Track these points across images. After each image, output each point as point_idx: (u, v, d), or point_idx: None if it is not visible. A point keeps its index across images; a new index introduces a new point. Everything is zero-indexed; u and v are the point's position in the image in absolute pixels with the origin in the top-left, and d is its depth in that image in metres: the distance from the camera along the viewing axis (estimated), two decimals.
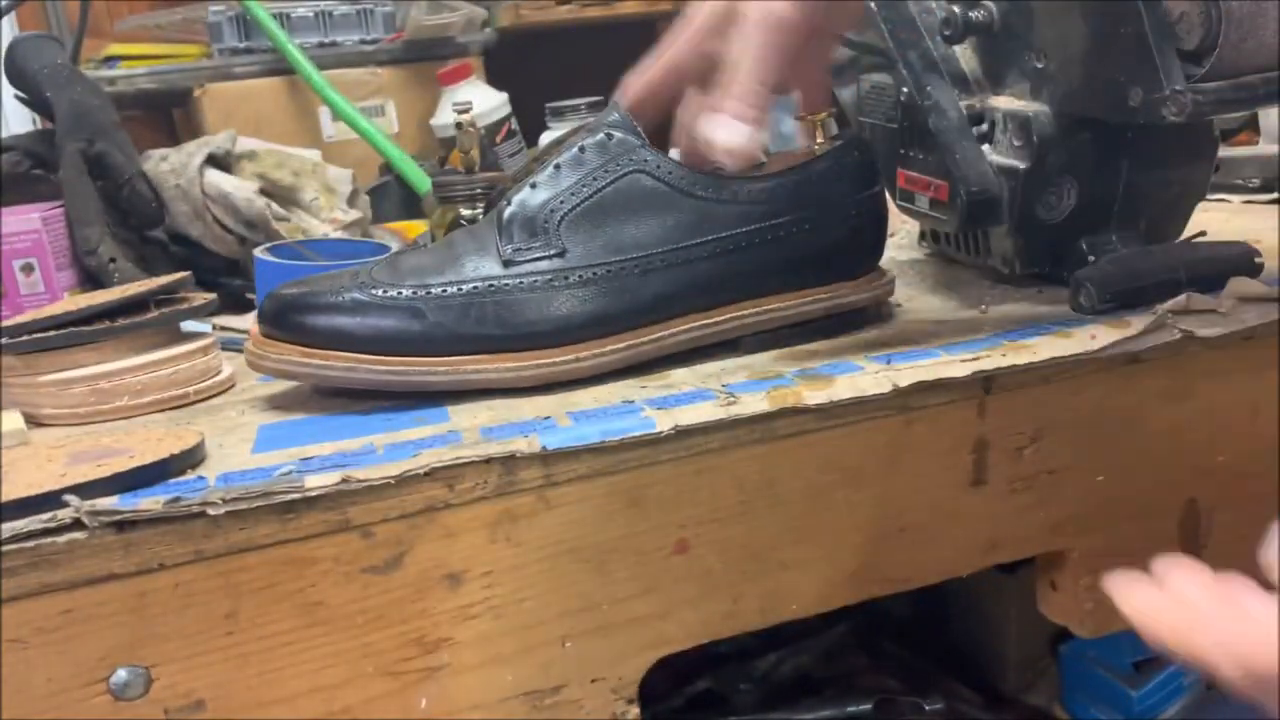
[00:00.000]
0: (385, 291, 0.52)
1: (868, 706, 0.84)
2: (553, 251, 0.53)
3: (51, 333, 0.55)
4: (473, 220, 0.73)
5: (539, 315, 0.53)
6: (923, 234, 0.74)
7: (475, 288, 0.53)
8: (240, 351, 0.56)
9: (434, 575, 0.45)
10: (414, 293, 0.52)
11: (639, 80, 0.56)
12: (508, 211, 0.54)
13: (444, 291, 0.52)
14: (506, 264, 0.53)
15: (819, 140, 0.59)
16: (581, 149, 0.55)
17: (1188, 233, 0.64)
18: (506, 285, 0.53)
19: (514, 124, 1.27)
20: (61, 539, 0.40)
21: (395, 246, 0.80)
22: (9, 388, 0.56)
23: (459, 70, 1.25)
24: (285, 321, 0.53)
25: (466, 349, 0.52)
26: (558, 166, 0.55)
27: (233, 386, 0.60)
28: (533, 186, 0.55)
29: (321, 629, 0.44)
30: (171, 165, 0.85)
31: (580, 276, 0.53)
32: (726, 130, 0.50)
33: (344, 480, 0.43)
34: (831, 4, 0.52)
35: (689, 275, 0.54)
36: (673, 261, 0.54)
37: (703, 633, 0.50)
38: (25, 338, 0.55)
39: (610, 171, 0.54)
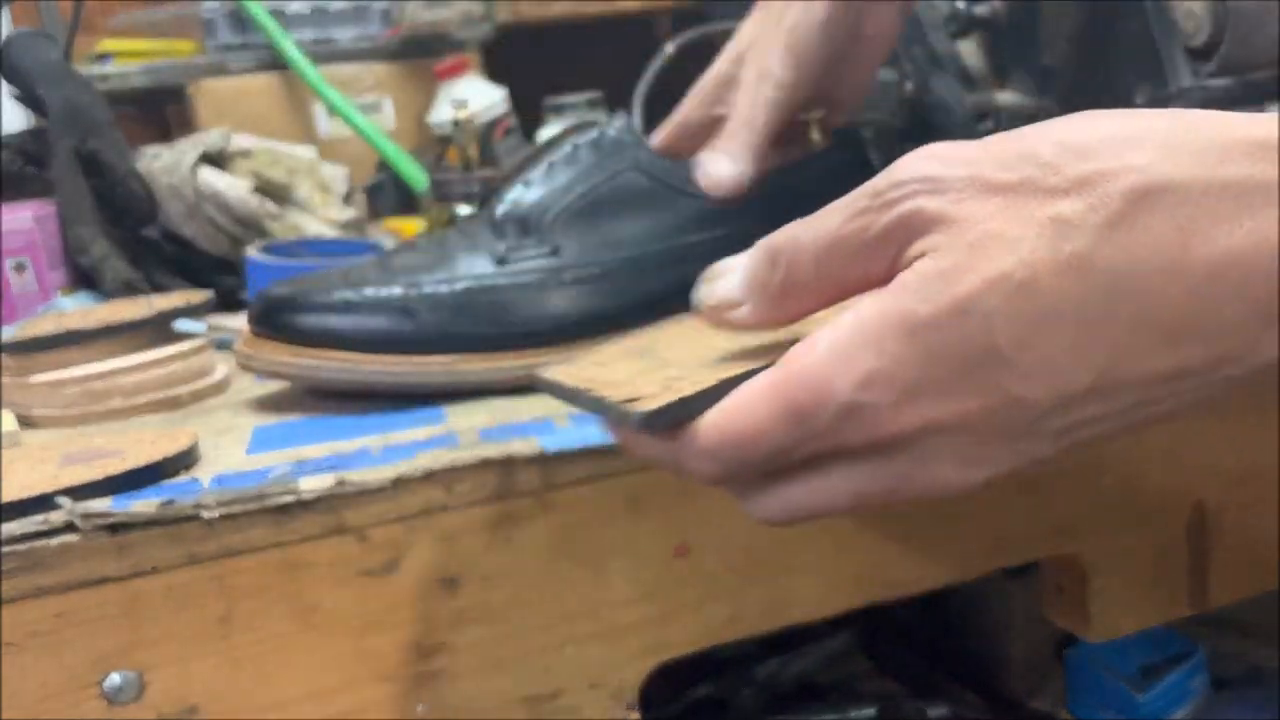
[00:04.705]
0: (376, 290, 0.51)
1: (871, 712, 0.83)
2: (547, 250, 0.53)
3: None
4: None
5: (533, 314, 0.52)
6: None
7: (468, 286, 0.52)
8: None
9: (431, 579, 0.45)
10: (406, 291, 0.51)
11: (656, 139, 0.60)
12: (501, 210, 0.54)
13: (436, 290, 0.52)
14: (500, 262, 0.53)
15: (814, 138, 0.58)
16: (576, 147, 0.55)
17: None
18: (500, 284, 0.52)
19: (513, 120, 1.26)
20: (54, 542, 0.40)
21: (391, 245, 0.79)
22: (1, 388, 0.55)
23: (457, 66, 1.24)
24: (275, 321, 0.52)
25: (460, 348, 0.51)
26: (551, 165, 0.55)
27: (227, 387, 0.59)
28: (526, 185, 0.54)
29: (317, 633, 0.44)
30: (164, 163, 0.84)
31: (574, 275, 0.53)
32: (714, 163, 0.54)
33: (339, 483, 0.42)
34: (830, 78, 0.56)
35: (683, 274, 0.53)
36: (666, 260, 0.54)
37: (704, 638, 0.50)
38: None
39: (605, 170, 0.54)
